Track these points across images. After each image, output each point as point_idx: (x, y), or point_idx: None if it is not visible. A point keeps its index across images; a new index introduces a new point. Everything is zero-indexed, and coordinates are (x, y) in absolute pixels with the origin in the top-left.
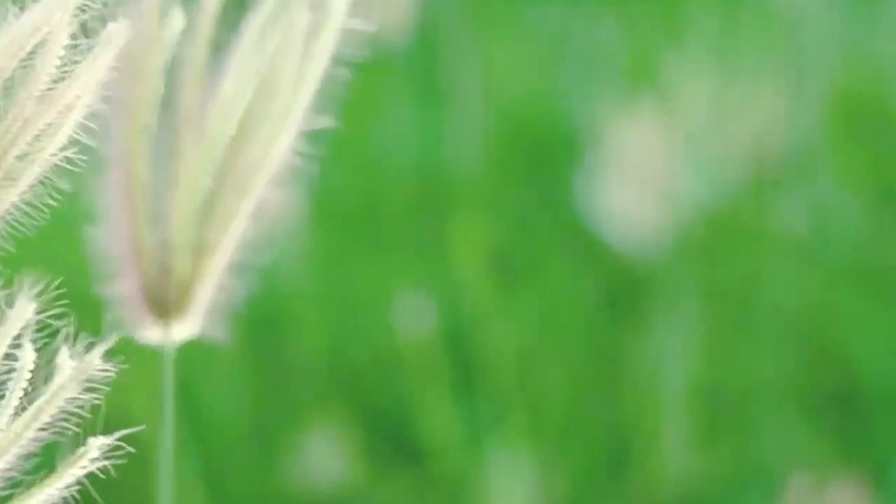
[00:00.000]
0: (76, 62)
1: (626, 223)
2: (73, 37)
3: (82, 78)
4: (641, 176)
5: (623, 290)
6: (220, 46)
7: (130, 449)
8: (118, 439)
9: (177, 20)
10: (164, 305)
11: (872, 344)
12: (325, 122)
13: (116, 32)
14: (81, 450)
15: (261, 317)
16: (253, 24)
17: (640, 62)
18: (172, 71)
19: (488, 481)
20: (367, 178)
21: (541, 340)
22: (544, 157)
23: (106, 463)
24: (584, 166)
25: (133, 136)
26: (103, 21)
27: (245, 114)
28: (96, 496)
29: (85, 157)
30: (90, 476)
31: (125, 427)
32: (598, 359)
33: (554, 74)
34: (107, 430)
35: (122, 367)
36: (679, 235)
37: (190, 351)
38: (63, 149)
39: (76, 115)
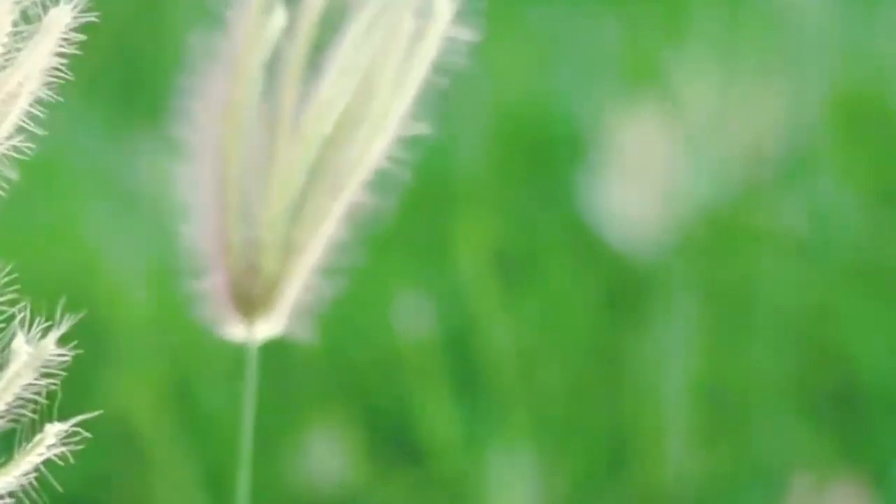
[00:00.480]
0: (18, 49)
1: (627, 223)
2: (15, 24)
3: (25, 65)
4: (642, 176)
5: (624, 289)
6: (321, 47)
7: (87, 434)
8: (75, 425)
9: (279, 18)
10: (249, 303)
11: (872, 344)
12: (422, 128)
13: (58, 18)
14: (38, 436)
15: None
16: (355, 26)
17: (640, 62)
18: (272, 69)
19: (489, 481)
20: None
21: (541, 340)
22: (545, 157)
23: (63, 449)
24: (585, 166)
25: (229, 133)
26: (44, 7)
27: (342, 115)
28: (95, 495)
29: (31, 146)
30: (90, 474)
31: (137, 430)
32: (599, 359)
33: (555, 74)
34: (64, 417)
35: (78, 352)
36: (680, 235)
37: (188, 351)
38: (9, 137)
39: (21, 103)
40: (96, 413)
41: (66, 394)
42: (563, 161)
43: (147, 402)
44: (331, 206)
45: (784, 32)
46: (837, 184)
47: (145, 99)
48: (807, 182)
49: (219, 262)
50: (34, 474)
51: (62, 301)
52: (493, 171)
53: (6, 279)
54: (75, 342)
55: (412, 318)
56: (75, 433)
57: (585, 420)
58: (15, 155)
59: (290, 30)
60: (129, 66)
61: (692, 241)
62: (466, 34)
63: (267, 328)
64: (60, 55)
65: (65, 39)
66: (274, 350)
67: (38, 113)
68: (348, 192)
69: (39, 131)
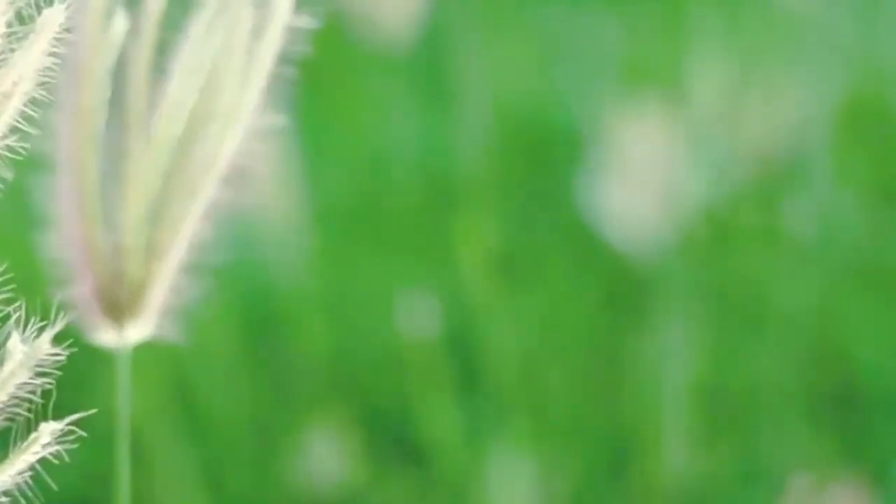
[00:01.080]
0: (13, 50)
1: (627, 223)
2: (9, 24)
3: (19, 65)
4: (643, 176)
5: (625, 290)
6: (165, 47)
7: (83, 433)
8: (70, 423)
9: (121, 22)
10: (117, 308)
11: (873, 344)
12: (276, 120)
13: (52, 19)
14: (33, 435)
15: (262, 317)
16: (197, 24)
17: (641, 62)
18: (118, 73)
19: (490, 481)
20: (370, 179)
21: (542, 340)
22: (546, 158)
23: (59, 448)
24: (585, 166)
25: (82, 140)
26: (38, 8)
27: (192, 114)
28: (95, 495)
29: (26, 146)
30: (87, 473)
31: (137, 430)
32: (600, 359)
33: (556, 74)
34: (59, 416)
35: (73, 350)
36: (680, 235)
37: (191, 351)
38: (3, 137)
39: (15, 103)
40: (91, 412)
41: (65, 393)
42: (564, 161)
43: (147, 401)
44: (190, 206)
45: (786, 33)
46: (840, 185)
47: None
48: (807, 182)
49: (84, 269)
50: (30, 473)
51: (57, 300)
52: (493, 171)
53: (1, 278)
54: (71, 340)
55: (413, 318)
56: (71, 432)
57: (586, 420)
58: (9, 154)
59: (133, 33)
60: None
61: (693, 242)
62: (306, 22)
63: (137, 332)
64: (54, 55)
65: (58, 40)
66: (275, 350)
67: (33, 113)
68: (206, 190)
69: (34, 131)
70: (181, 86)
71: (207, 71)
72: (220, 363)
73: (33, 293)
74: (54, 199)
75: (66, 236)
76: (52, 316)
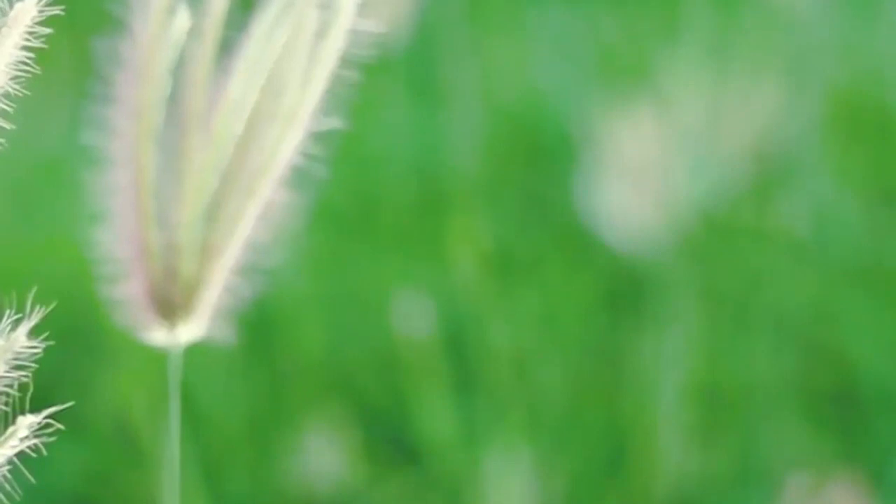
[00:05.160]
0: None
1: (624, 223)
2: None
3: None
4: (639, 176)
5: (621, 290)
6: (228, 46)
7: (60, 426)
8: (47, 416)
9: (183, 20)
10: (169, 307)
11: (872, 344)
12: (332, 123)
13: (24, 12)
14: (11, 429)
15: (259, 317)
16: (260, 24)
17: (638, 62)
18: (179, 71)
19: (486, 481)
20: (364, 178)
21: (539, 341)
22: (542, 157)
23: (37, 441)
24: (582, 166)
25: (140, 137)
26: (10, 2)
27: (252, 114)
28: (95, 494)
29: (2, 141)
30: (91, 475)
31: (137, 430)
32: (597, 359)
33: (552, 74)
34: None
35: (50, 343)
36: (677, 235)
37: (189, 351)
38: None
39: None
40: (68, 405)
41: (65, 394)
42: (561, 161)
43: (146, 401)
44: (246, 206)
45: (782, 32)
46: (837, 183)
47: None
48: (806, 182)
49: (137, 267)
50: (7, 467)
51: (33, 293)
52: (490, 171)
53: None
54: (74, 342)
55: (410, 317)
56: (48, 425)
57: (583, 420)
58: None
59: (194, 30)
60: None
61: (690, 242)
62: (371, 26)
63: (188, 331)
64: (26, 49)
65: (30, 33)
66: (272, 350)
67: (6, 107)
68: (263, 191)
69: (7, 125)
70: (242, 85)
71: (269, 71)
72: (217, 363)
73: (9, 286)
74: (110, 196)
75: (120, 233)
76: (28, 309)
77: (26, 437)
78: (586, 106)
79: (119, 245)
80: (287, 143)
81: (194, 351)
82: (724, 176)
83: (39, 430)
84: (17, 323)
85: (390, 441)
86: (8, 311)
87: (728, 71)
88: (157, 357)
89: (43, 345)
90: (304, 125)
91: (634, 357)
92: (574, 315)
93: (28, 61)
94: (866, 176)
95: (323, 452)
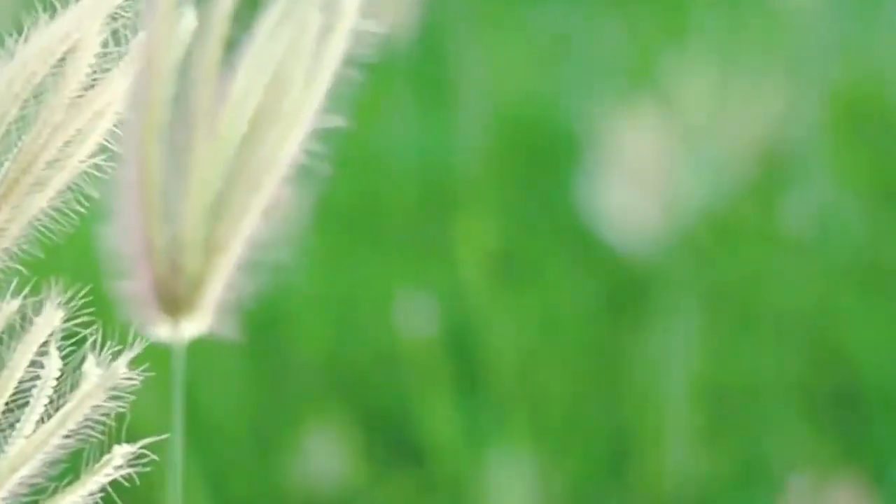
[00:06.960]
0: (106, 69)
1: (626, 224)
2: (104, 44)
3: (113, 85)
4: (642, 176)
5: (624, 290)
6: (233, 46)
7: (154, 457)
8: (141, 447)
9: (190, 19)
10: (174, 303)
11: (873, 344)
12: (336, 121)
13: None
14: (106, 457)
15: (262, 317)
16: (265, 24)
17: (640, 63)
18: (185, 70)
19: (489, 481)
20: (369, 179)
21: (541, 341)
22: (545, 158)
23: (130, 471)
24: (584, 167)
25: (146, 135)
26: (134, 29)
27: (256, 113)
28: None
29: (114, 165)
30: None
31: (138, 430)
32: (599, 359)
33: (555, 75)
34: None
35: (149, 374)
36: (679, 236)
37: (190, 351)
38: (92, 155)
39: (106, 122)
40: (162, 436)
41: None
42: (563, 161)
43: (146, 401)
44: (250, 204)
45: (784, 33)
46: (838, 184)
47: None
48: (807, 182)
49: (142, 262)
50: (101, 494)
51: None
52: (493, 171)
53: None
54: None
55: (412, 318)
56: (142, 455)
57: (585, 420)
58: (96, 173)
59: (201, 30)
60: None
61: (692, 242)
62: (375, 26)
63: (192, 327)
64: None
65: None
66: (274, 350)
67: (122, 133)
68: (267, 188)
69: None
70: (247, 84)
71: (274, 70)
72: (219, 363)
73: (111, 317)
74: (116, 192)
75: (126, 229)
76: (130, 340)
77: (119, 467)
78: (589, 107)
79: (125, 241)
80: (291, 141)
81: (197, 349)
82: (726, 176)
83: (133, 461)
84: (116, 354)
85: (392, 441)
86: (109, 343)
87: (730, 72)
88: (164, 354)
89: (142, 376)
90: (308, 124)
91: (637, 357)
92: (577, 315)
93: None
94: (868, 177)
95: (325, 452)
